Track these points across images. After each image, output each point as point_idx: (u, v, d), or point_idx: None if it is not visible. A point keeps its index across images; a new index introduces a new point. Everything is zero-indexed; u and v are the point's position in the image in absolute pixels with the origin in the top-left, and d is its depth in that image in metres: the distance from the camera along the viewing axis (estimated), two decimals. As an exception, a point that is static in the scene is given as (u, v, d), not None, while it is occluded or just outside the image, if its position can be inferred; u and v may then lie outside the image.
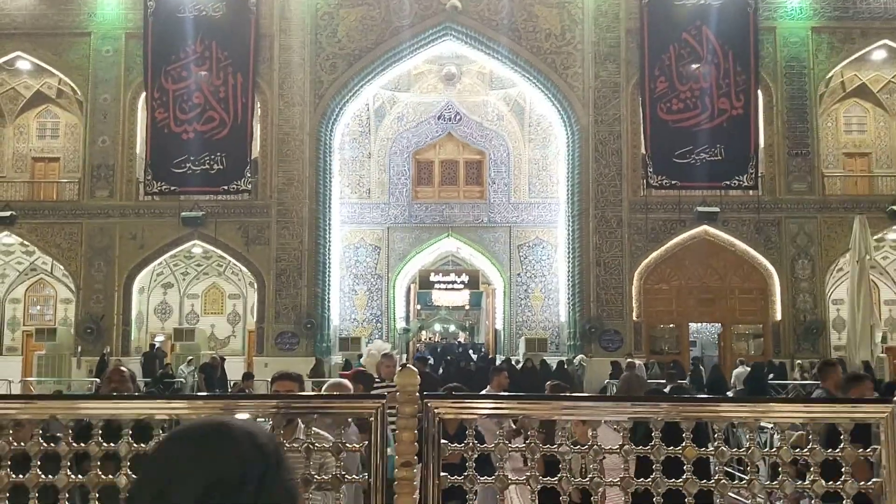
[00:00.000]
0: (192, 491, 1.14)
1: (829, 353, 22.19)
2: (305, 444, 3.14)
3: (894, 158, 25.25)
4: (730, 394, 18.37)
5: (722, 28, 22.50)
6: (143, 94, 22.93)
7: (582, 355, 21.45)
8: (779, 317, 22.45)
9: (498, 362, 20.82)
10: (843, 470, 3.24)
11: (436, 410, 3.26)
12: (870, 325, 20.15)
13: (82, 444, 3.39)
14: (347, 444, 3.19)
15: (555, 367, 19.96)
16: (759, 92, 22.68)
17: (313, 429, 3.65)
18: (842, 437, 3.28)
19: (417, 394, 3.24)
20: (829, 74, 23.28)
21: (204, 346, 23.80)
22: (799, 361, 21.19)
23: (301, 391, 4.65)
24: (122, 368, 5.08)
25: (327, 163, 23.23)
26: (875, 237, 20.94)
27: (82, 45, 23.03)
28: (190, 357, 21.35)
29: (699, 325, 24.93)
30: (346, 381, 6.12)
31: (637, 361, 19.33)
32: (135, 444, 3.40)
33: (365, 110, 25.64)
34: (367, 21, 22.89)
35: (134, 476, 3.05)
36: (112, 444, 3.38)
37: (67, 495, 3.38)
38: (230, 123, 22.60)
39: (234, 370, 21.76)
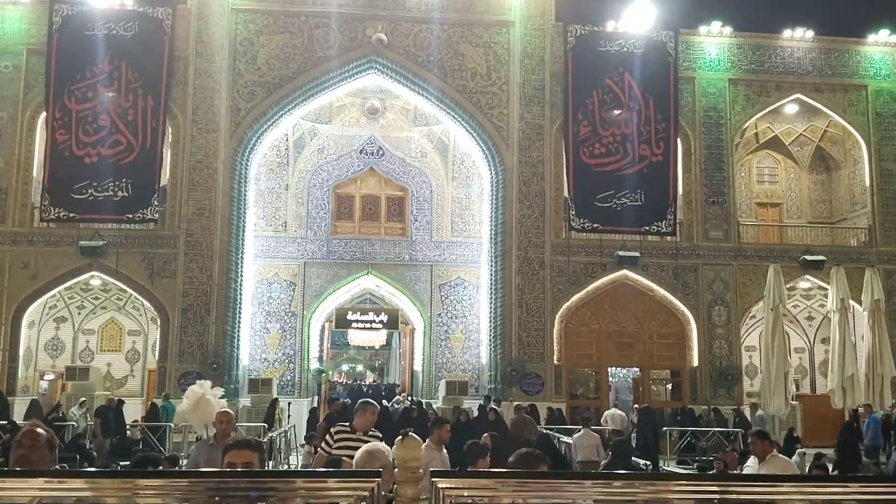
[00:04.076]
0: None
1: (744, 400, 22.46)
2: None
3: (804, 209, 26.10)
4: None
5: (643, 76, 22.85)
6: (44, 114, 21.43)
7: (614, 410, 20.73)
8: (696, 362, 22.58)
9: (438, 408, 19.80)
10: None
11: (446, 492, 2.37)
12: (784, 373, 20.52)
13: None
14: None
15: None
16: (678, 140, 23.07)
17: None
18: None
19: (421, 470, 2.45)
20: (745, 125, 23.94)
21: (99, 387, 22.06)
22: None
23: (262, 463, 3.75)
24: (39, 430, 3.77)
25: (242, 193, 22.16)
26: (787, 286, 21.42)
27: (-23, 60, 21.42)
28: (83, 399, 19.66)
29: (615, 368, 24.84)
30: (383, 447, 4.56)
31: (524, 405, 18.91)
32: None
33: (284, 140, 24.74)
34: (289, 49, 22.17)
35: None
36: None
37: None
38: (138, 148, 21.31)
39: (132, 413, 20.26)
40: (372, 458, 4.33)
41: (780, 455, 8.71)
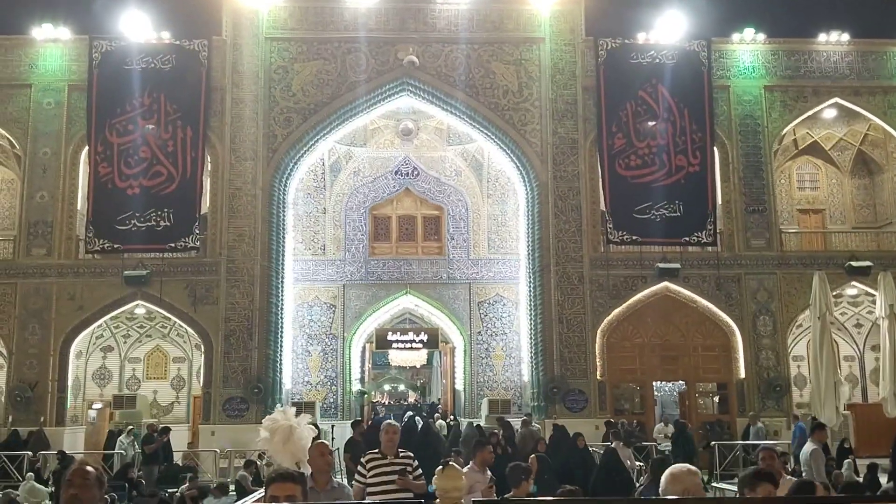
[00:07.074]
0: None
1: (793, 411, 21.96)
2: None
3: (847, 215, 25.60)
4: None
5: (677, 86, 22.67)
6: (86, 149, 21.92)
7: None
8: (742, 374, 22.17)
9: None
10: None
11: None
12: (833, 383, 20.02)
13: None
14: None
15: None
16: (715, 149, 22.81)
17: None
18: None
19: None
20: (783, 132, 23.58)
21: (146, 414, 22.36)
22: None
23: (305, 496, 3.71)
24: (89, 468, 3.73)
25: (280, 218, 22.40)
26: (833, 293, 20.96)
27: (22, 96, 22.03)
28: (130, 426, 19.91)
29: (660, 382, 24.48)
30: (684, 469, 3.95)
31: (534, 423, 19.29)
32: None
33: (320, 165, 25.01)
34: (323, 75, 22.43)
35: None
36: None
37: None
38: (178, 178, 21.68)
39: (178, 440, 20.46)
40: (676, 481, 3.86)
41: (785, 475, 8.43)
